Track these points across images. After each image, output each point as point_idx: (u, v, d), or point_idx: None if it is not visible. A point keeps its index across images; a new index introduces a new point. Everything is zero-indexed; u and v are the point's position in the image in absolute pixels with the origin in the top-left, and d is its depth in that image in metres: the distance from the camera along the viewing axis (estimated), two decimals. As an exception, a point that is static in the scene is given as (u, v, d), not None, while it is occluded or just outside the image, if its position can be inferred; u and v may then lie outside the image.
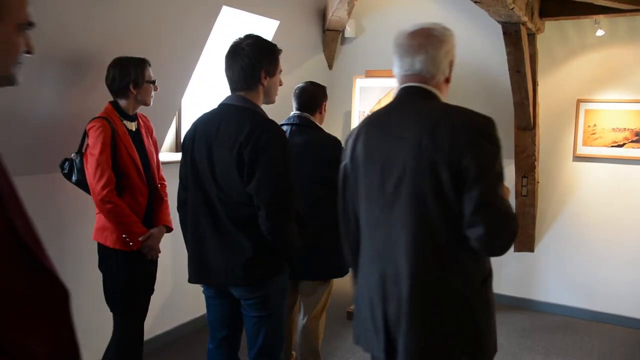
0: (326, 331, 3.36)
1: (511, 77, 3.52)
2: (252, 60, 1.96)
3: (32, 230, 0.90)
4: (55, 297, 0.92)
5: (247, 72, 1.97)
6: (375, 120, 1.61)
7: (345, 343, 3.63)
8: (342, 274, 2.70)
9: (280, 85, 2.11)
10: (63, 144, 2.68)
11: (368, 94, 4.01)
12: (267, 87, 2.03)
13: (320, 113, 2.75)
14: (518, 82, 3.53)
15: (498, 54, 3.65)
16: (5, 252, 0.82)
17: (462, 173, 1.37)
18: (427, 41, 1.50)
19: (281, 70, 2.09)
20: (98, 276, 2.50)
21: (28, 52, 1.01)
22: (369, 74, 4.03)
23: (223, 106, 2.03)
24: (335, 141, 2.66)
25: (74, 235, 2.88)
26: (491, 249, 1.45)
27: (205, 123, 2.03)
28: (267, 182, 1.87)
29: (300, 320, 2.80)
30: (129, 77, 2.39)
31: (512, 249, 4.01)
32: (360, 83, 4.06)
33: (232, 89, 2.03)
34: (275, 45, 2.07)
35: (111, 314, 2.49)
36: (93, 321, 3.05)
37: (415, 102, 1.52)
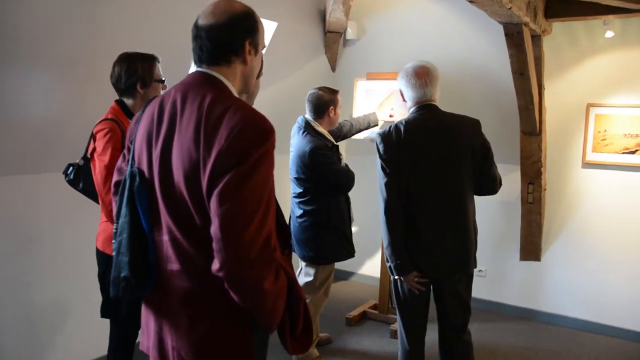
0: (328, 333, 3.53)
1: (514, 81, 3.40)
2: None
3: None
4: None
5: None
6: (417, 124, 2.39)
7: (345, 346, 3.56)
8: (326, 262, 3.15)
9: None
10: (60, 144, 2.67)
11: (369, 97, 3.91)
12: (251, 89, 2.02)
13: (329, 116, 3.05)
14: (522, 85, 3.40)
15: (502, 56, 3.53)
16: (274, 211, 1.31)
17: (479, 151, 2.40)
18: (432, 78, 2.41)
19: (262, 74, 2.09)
20: (90, 281, 2.45)
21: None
22: (370, 77, 3.93)
23: None
24: (312, 149, 2.90)
25: (64, 235, 2.87)
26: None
27: None
28: None
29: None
30: (136, 75, 2.23)
31: (517, 258, 3.96)
32: (361, 86, 3.96)
33: None
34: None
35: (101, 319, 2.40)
36: (85, 325, 3.03)
37: (438, 112, 2.43)
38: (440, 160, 2.35)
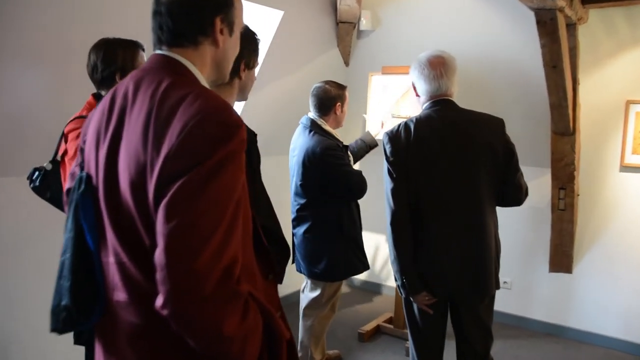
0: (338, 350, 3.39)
1: (546, 74, 3.06)
2: None
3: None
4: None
5: None
6: (429, 122, 2.11)
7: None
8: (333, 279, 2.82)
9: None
10: (24, 144, 2.41)
11: (384, 93, 3.61)
12: (244, 81, 1.77)
13: (336, 114, 2.78)
14: (554, 79, 3.06)
15: (532, 47, 3.19)
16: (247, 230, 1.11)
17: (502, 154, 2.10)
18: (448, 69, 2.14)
19: (257, 64, 1.84)
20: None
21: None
22: (385, 71, 3.63)
23: None
24: (324, 149, 2.62)
25: (29, 250, 2.59)
26: None
27: None
28: None
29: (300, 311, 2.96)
30: (115, 64, 1.95)
31: (546, 269, 3.62)
32: (376, 81, 3.66)
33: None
34: (255, 33, 1.80)
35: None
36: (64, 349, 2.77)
37: (454, 108, 2.15)
38: (455, 164, 2.07)
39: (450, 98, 2.13)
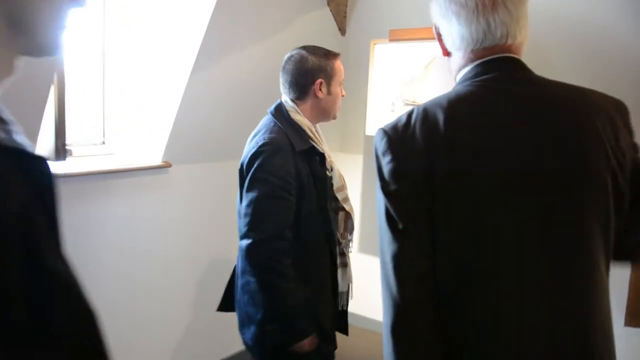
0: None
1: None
2: None
3: None
4: None
5: None
6: (476, 105, 1.08)
7: None
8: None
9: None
10: None
11: (393, 66, 2.79)
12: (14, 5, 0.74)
13: (317, 97, 1.84)
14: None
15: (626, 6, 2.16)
16: None
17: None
18: None
19: None
20: None
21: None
22: (393, 36, 2.76)
23: None
24: (258, 145, 1.72)
25: None
26: None
27: None
28: None
29: None
30: None
31: (622, 322, 2.82)
32: (380, 51, 2.81)
33: None
34: None
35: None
36: None
37: (527, 75, 1.13)
38: (543, 196, 1.04)
39: (515, 56, 1.10)
